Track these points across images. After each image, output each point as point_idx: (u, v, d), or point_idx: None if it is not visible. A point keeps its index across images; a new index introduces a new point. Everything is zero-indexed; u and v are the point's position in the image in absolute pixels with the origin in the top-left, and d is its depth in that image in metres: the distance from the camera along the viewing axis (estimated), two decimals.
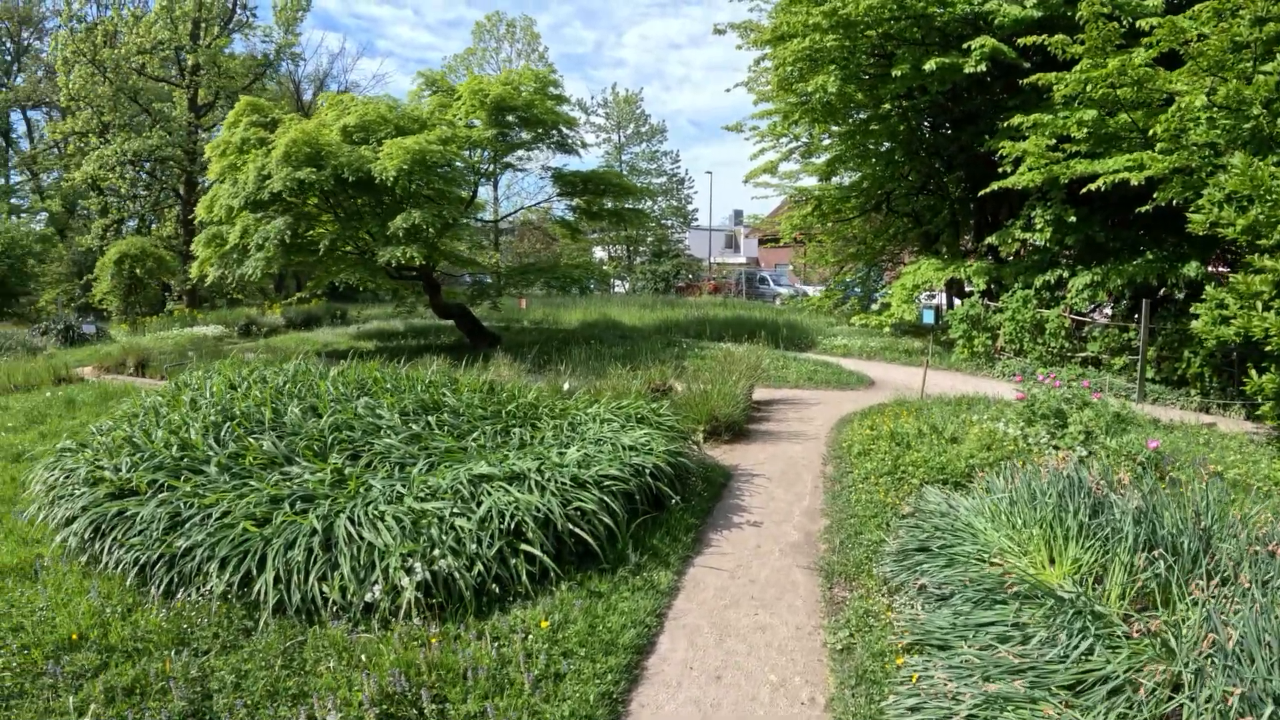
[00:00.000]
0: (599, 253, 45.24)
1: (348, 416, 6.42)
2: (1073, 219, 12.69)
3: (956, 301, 22.52)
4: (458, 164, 14.82)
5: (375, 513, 4.77)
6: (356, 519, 4.71)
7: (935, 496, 5.54)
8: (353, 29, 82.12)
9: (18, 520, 6.04)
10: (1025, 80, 12.77)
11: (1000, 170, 13.34)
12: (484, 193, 43.45)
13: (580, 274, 15.26)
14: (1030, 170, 12.34)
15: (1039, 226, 13.37)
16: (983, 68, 12.79)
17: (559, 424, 6.75)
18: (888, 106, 16.49)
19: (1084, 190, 11.79)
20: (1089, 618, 3.42)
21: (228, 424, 6.30)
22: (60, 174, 37.84)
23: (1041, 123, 12.25)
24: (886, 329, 15.06)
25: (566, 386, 8.47)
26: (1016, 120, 12.53)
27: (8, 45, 43.51)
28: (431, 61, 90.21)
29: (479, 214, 23.74)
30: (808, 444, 8.42)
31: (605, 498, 5.29)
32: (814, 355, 15.17)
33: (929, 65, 13.06)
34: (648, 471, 5.86)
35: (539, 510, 4.93)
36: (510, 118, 15.80)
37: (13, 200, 45.36)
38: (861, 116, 17.57)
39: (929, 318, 14.51)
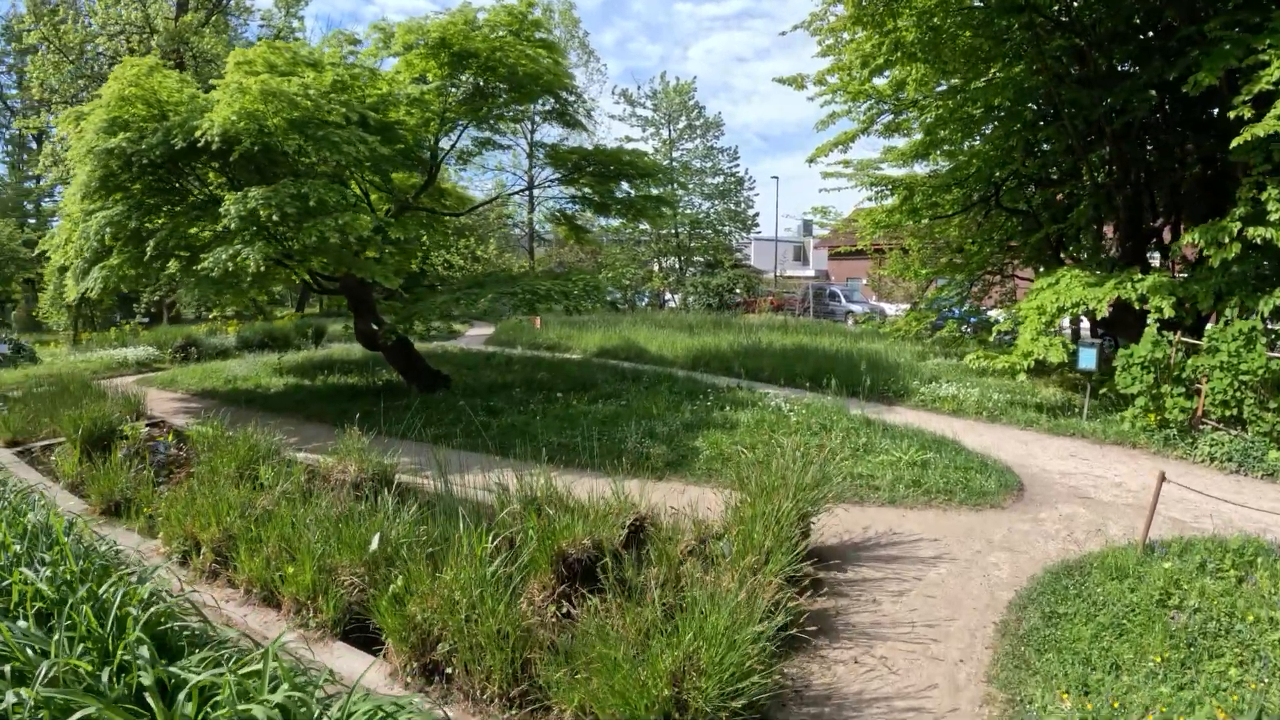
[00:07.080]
0: (654, 265, 40.16)
1: None
2: None
3: (1085, 332, 17.05)
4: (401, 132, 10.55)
5: None
6: None
7: None
8: None
9: None
10: None
11: (1234, 114, 8.06)
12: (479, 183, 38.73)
13: (558, 289, 10.57)
14: None
15: (1275, 218, 8.14)
16: None
17: None
18: (1012, 41, 11.38)
19: None
20: None
21: None
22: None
23: None
24: (1022, 374, 9.74)
25: (375, 544, 3.90)
26: None
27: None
28: None
29: (469, 207, 19.55)
30: None
31: None
32: (909, 413, 10.19)
33: None
34: None
35: None
36: (473, 75, 11.43)
37: (44, 203, 43.79)
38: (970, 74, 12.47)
39: (1088, 360, 9.30)
